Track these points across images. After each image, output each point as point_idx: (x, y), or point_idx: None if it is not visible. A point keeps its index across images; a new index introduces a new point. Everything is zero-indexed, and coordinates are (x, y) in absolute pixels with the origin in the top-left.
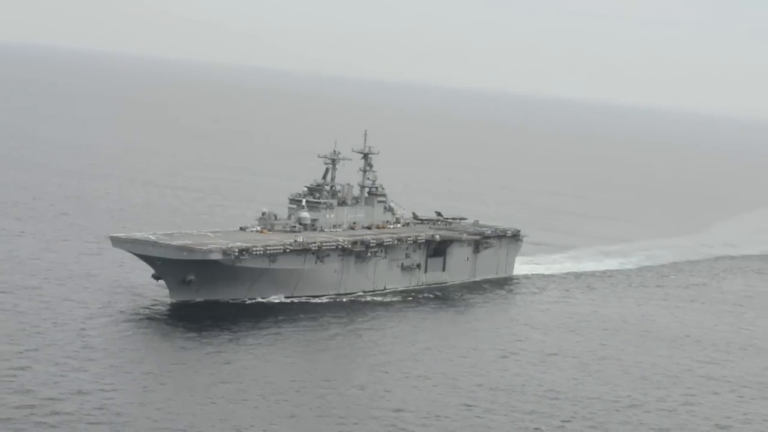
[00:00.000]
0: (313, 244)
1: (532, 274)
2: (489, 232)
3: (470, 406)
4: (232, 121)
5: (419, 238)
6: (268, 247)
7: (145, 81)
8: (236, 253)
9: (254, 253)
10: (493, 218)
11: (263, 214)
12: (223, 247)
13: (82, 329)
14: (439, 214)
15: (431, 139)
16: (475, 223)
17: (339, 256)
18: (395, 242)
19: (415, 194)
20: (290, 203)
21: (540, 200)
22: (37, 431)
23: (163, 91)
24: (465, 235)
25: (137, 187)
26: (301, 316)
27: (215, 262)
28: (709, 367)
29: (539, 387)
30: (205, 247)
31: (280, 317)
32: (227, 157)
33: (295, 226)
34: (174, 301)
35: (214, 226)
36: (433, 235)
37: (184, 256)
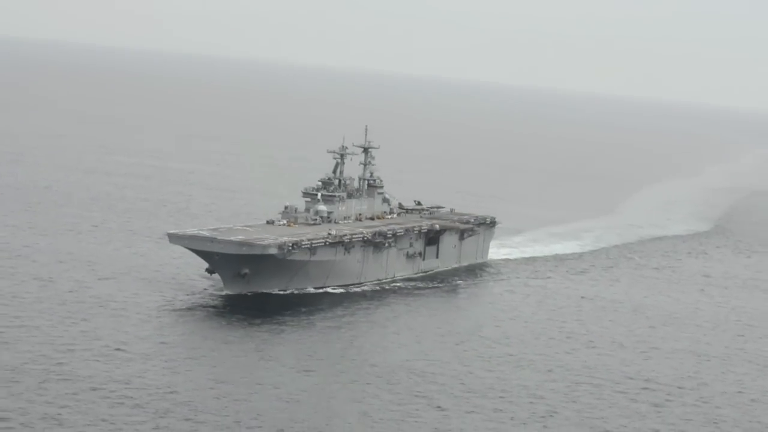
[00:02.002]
0: (345, 236)
1: (507, 259)
2: (472, 220)
3: (558, 382)
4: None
5: (422, 228)
6: (313, 241)
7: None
8: (290, 247)
9: (303, 246)
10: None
11: (286, 207)
12: (278, 241)
13: (179, 318)
14: (418, 203)
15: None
16: (452, 212)
17: (361, 247)
18: (404, 232)
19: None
20: (304, 196)
21: (463, 184)
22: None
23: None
24: (458, 223)
25: (92, 177)
26: (347, 302)
27: (270, 255)
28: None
29: (606, 367)
30: (262, 242)
31: (332, 304)
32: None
33: (316, 219)
34: (229, 293)
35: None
36: (433, 225)
37: (244, 251)
